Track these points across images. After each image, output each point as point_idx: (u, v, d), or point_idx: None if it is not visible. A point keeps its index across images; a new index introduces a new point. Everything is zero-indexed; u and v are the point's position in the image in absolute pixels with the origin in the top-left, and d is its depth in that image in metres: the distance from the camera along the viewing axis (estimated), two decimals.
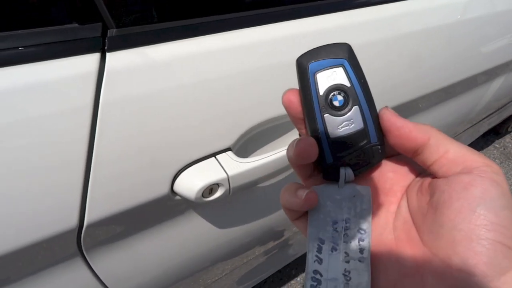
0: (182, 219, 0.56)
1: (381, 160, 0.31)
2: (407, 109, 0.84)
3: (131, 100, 0.43)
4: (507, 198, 0.25)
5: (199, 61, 0.48)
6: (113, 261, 0.52)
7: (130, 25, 0.44)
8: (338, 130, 0.30)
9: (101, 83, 0.41)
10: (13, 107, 0.37)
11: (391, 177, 0.32)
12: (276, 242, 0.90)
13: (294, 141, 0.29)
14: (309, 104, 0.30)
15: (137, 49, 0.44)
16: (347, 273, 0.29)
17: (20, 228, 0.41)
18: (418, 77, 0.79)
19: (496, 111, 1.59)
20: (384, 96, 0.73)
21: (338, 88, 0.30)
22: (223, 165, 0.51)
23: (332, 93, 0.30)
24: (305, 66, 0.31)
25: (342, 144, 0.30)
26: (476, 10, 0.84)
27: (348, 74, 0.30)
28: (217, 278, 0.81)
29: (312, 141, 0.29)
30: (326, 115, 0.30)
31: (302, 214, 0.32)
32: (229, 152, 0.53)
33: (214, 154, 0.52)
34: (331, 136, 0.30)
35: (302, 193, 0.29)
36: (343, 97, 0.30)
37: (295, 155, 0.29)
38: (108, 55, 0.42)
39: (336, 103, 0.29)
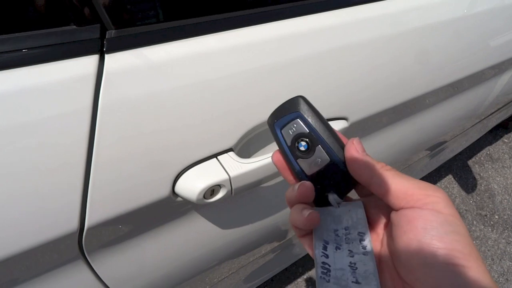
0: (184, 220, 0.55)
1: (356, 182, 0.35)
2: (414, 105, 0.83)
3: (130, 102, 0.43)
4: (449, 223, 0.28)
5: (199, 61, 0.47)
6: (116, 263, 0.52)
7: (128, 26, 0.43)
8: (312, 168, 0.36)
9: (100, 85, 0.41)
10: (11, 110, 0.37)
11: (374, 212, 0.35)
12: (282, 241, 0.90)
13: (293, 186, 0.35)
14: (285, 156, 0.37)
15: (136, 50, 0.44)
16: (353, 265, 0.32)
17: (20, 232, 0.40)
18: (425, 72, 0.78)
19: (504, 105, 1.57)
20: (390, 92, 0.72)
21: (300, 136, 0.36)
22: (224, 166, 0.50)
23: (297, 142, 0.36)
24: (272, 126, 0.38)
25: (320, 177, 0.36)
26: (483, 3, 0.82)
27: (304, 122, 0.36)
28: (223, 277, 0.80)
29: (309, 184, 0.34)
30: (299, 160, 0.36)
31: (308, 232, 0.36)
32: (231, 153, 0.52)
33: (215, 155, 0.51)
34: (309, 174, 0.36)
35: (306, 213, 0.33)
36: (306, 142, 0.36)
37: (297, 198, 0.34)
38: (106, 56, 0.42)
39: (302, 149, 0.36)
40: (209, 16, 0.48)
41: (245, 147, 0.56)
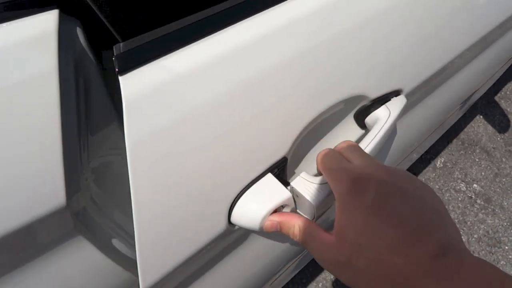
0: (245, 245, 0.50)
1: None
2: (455, 63, 0.74)
3: (159, 130, 0.35)
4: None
5: (228, 63, 0.38)
6: None
7: (137, 34, 0.35)
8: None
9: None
10: None
11: None
12: None
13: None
14: None
15: (153, 63, 0.35)
16: None
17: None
18: (470, 22, 0.69)
19: None
20: (437, 53, 0.64)
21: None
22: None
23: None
24: None
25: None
26: None
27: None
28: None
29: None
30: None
31: None
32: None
33: (269, 169, 0.44)
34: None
35: None
36: None
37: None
38: (121, 79, 0.33)
39: None
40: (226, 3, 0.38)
41: (296, 152, 0.49)
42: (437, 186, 1.73)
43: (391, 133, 0.66)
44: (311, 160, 0.52)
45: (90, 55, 0.32)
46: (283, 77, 0.42)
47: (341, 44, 0.47)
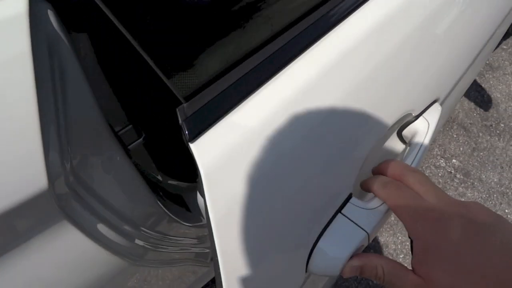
0: None
1: None
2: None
3: (241, 196, 0.32)
4: None
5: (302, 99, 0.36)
6: None
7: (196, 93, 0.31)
8: None
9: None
10: None
11: None
12: None
13: None
14: None
15: (221, 122, 0.31)
16: None
17: None
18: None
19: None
20: (467, 52, 0.63)
21: None
22: (355, 221, 0.40)
23: None
24: None
25: None
26: None
27: None
28: None
29: None
30: None
31: None
32: (353, 200, 0.41)
33: (338, 210, 0.41)
34: None
35: None
36: None
37: None
38: (192, 146, 0.30)
39: None
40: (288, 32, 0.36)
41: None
42: None
43: None
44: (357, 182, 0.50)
45: (64, 37, 0.31)
46: (348, 108, 0.40)
47: (391, 65, 0.45)
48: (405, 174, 0.38)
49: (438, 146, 1.83)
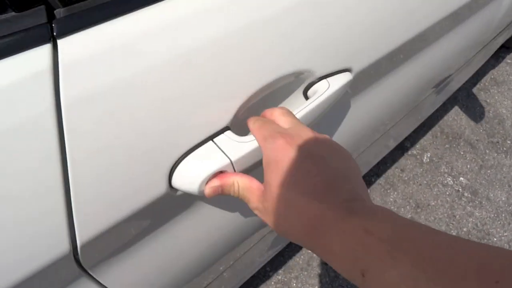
0: (189, 213, 0.50)
1: None
2: (417, 43, 0.75)
3: (98, 94, 0.36)
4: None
5: (172, 31, 0.39)
6: (122, 272, 0.46)
7: (80, 0, 0.36)
8: None
9: (59, 80, 0.34)
10: None
11: None
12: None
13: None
14: None
15: (94, 28, 0.36)
16: None
17: (10, 262, 0.35)
18: (427, 4, 0.69)
19: (506, 26, 1.48)
20: (393, 33, 0.64)
21: None
22: (223, 148, 0.44)
23: None
24: None
25: None
26: None
27: None
28: (228, 266, 0.75)
29: None
30: None
31: None
32: (228, 132, 0.46)
33: (211, 137, 0.45)
34: None
35: None
36: None
37: None
38: (59, 42, 0.34)
39: None
40: None
41: (242, 123, 0.49)
42: (425, 182, 1.73)
43: (345, 110, 0.66)
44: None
45: None
46: (227, 48, 0.44)
47: (289, 19, 0.48)
48: (274, 112, 0.44)
49: (445, 163, 1.79)
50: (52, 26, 0.34)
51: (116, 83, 0.37)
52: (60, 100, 0.34)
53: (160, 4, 0.39)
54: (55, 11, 0.34)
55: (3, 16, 0.33)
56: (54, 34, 0.34)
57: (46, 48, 0.34)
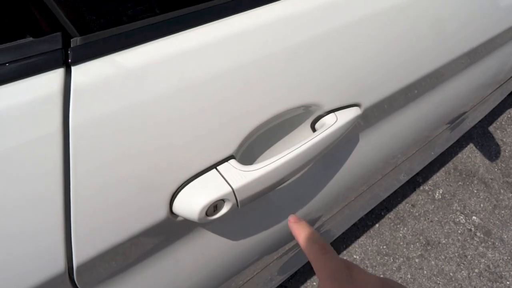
0: (190, 239, 0.50)
1: None
2: (430, 81, 0.75)
3: (106, 119, 0.37)
4: None
5: (181, 62, 0.41)
6: None
7: (95, 31, 0.37)
8: None
9: (69, 104, 0.35)
10: None
11: None
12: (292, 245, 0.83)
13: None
14: None
15: (107, 57, 0.38)
16: None
17: (5, 278, 0.35)
18: (440, 43, 0.70)
19: None
20: (404, 70, 0.64)
21: None
22: (226, 177, 0.44)
23: None
24: None
25: None
26: None
27: None
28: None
29: None
30: None
31: None
32: (232, 161, 0.46)
33: (215, 165, 0.45)
34: None
35: None
36: None
37: None
38: (73, 69, 0.36)
39: None
40: (186, 9, 0.41)
41: (247, 152, 0.50)
42: (436, 218, 1.69)
43: (355, 142, 0.66)
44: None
45: None
46: (237, 80, 0.45)
47: (300, 53, 0.49)
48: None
49: (458, 201, 1.75)
50: (68, 52, 0.36)
51: (124, 110, 0.38)
52: (68, 122, 0.35)
53: (171, 37, 0.41)
54: (71, 40, 0.36)
55: (21, 41, 0.35)
56: (69, 60, 0.36)
57: (60, 72, 0.35)
